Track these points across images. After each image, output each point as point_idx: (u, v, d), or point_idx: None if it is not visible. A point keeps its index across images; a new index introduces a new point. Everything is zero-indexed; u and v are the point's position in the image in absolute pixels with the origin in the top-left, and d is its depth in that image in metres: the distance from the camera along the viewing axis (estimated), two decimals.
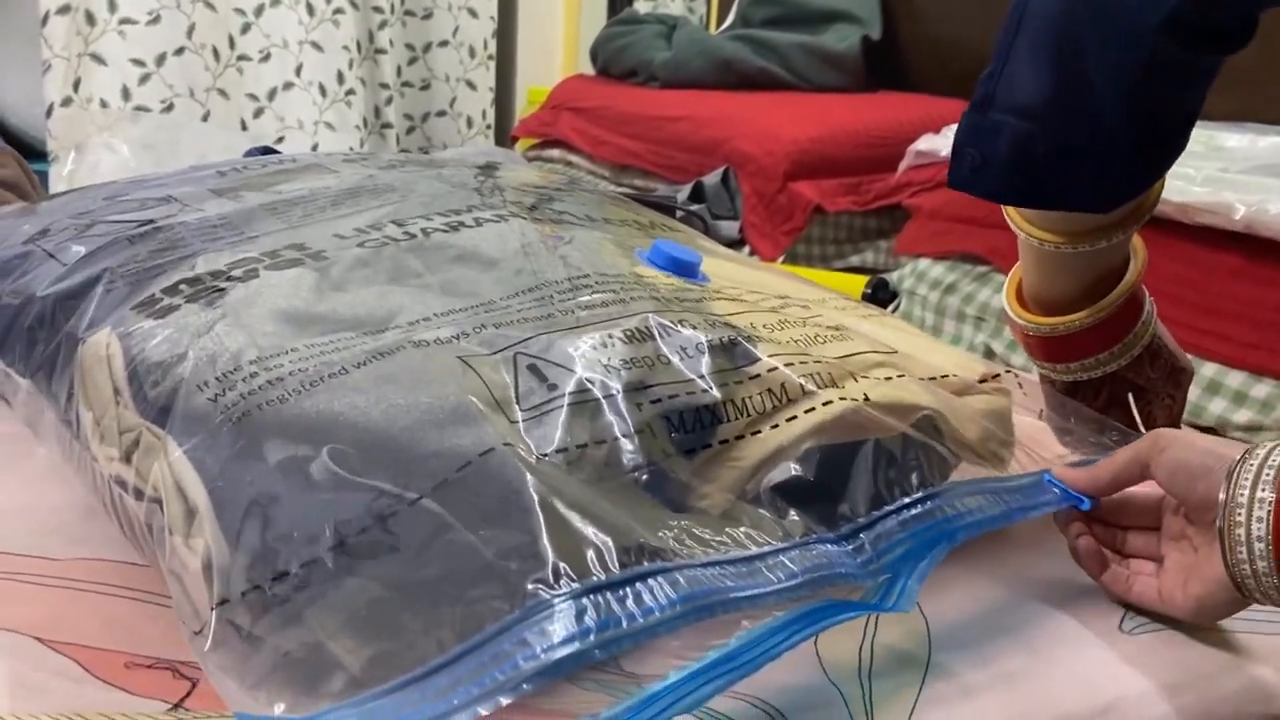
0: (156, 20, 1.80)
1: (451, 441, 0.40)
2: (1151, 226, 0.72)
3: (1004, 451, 0.60)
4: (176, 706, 0.41)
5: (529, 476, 0.40)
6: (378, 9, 2.11)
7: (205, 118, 1.88)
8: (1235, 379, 0.77)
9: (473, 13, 2.27)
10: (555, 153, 1.59)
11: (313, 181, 0.71)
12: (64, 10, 1.70)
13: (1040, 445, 0.66)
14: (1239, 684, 0.50)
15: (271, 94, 1.99)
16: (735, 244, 1.23)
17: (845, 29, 1.43)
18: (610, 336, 0.48)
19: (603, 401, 0.45)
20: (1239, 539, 0.46)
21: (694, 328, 0.51)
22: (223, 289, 0.52)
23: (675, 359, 0.49)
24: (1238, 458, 0.49)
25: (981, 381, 0.62)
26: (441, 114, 2.32)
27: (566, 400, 0.44)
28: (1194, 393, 0.79)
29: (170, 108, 1.82)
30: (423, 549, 0.37)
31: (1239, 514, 0.46)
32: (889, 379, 0.55)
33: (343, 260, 0.55)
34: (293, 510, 0.38)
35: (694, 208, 1.22)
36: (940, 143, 0.98)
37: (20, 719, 0.40)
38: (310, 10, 1.98)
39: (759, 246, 1.20)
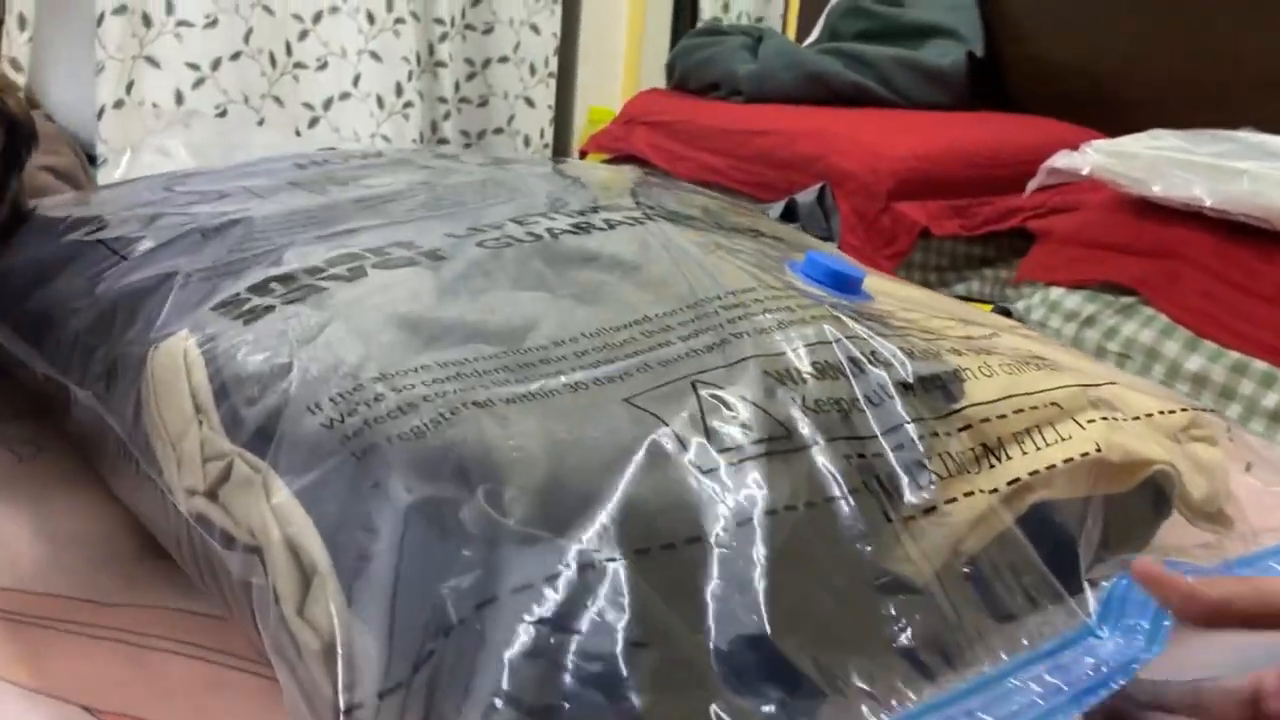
0: (214, 24, 1.73)
1: (642, 494, 0.31)
2: None
3: (1228, 511, 0.50)
4: None
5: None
6: (439, 20, 2.04)
7: (259, 125, 1.81)
8: None
9: (535, 29, 2.20)
10: (627, 168, 1.50)
11: (406, 176, 0.63)
12: (120, 10, 1.64)
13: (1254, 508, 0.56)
14: None
15: (328, 103, 1.92)
16: None
17: (945, 45, 1.34)
18: (797, 370, 0.39)
19: (810, 452, 0.35)
20: None
21: (888, 361, 0.41)
22: (324, 288, 0.43)
23: (875, 398, 0.40)
24: None
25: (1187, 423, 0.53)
26: (499, 131, 2.24)
27: (766, 447, 0.35)
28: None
29: (224, 113, 1.75)
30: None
31: None
32: (1111, 421, 0.45)
33: (462, 261, 0.46)
34: (438, 569, 0.29)
35: (788, 227, 1.13)
36: (1080, 160, 0.88)
37: None
38: (370, 19, 1.92)
39: None
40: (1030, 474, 0.41)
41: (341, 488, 0.31)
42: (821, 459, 0.36)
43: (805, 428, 0.37)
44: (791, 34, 1.89)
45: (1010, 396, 0.43)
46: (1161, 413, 0.49)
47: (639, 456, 0.34)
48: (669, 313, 0.43)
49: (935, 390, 0.42)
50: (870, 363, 0.41)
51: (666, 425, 0.35)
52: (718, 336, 0.41)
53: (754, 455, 0.35)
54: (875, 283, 0.55)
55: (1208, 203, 0.79)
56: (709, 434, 0.35)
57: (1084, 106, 1.33)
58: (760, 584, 0.30)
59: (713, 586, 0.30)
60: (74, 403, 0.49)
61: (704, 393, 0.37)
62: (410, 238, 0.50)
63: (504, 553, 0.29)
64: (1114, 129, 1.30)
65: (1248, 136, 0.91)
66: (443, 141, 2.12)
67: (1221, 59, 1.22)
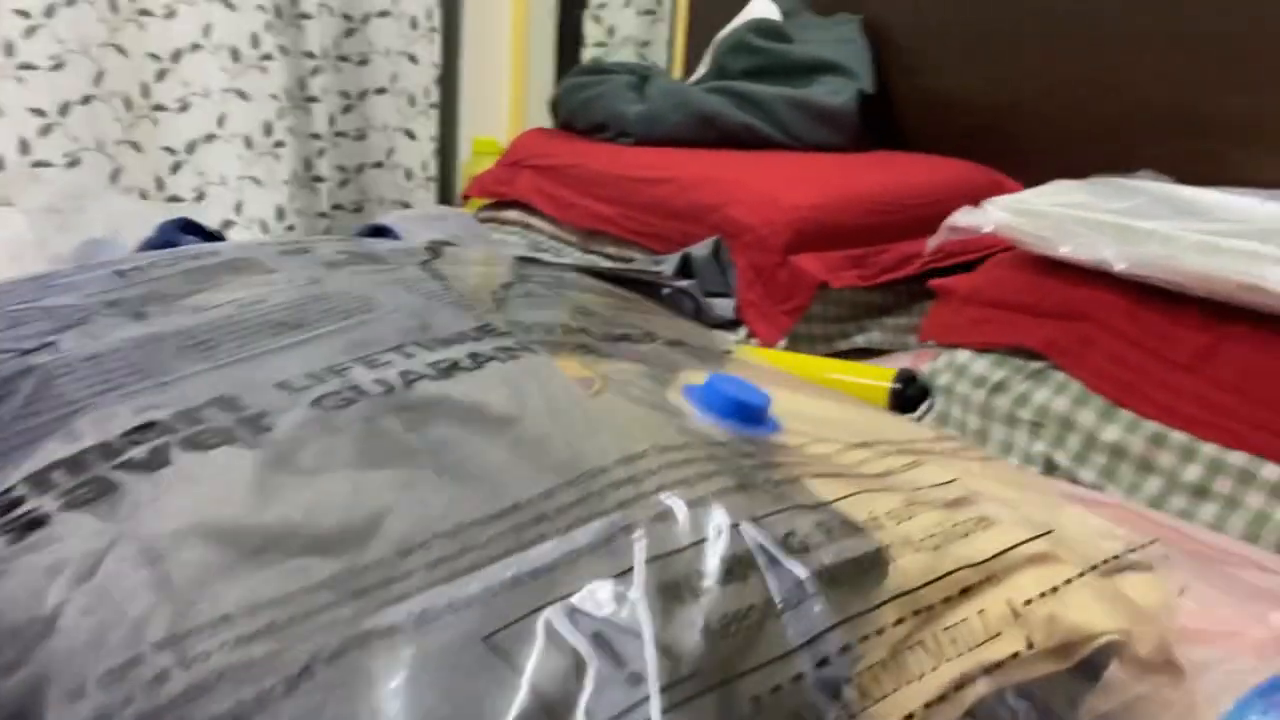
0: (60, 66, 1.60)
1: None
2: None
3: (1175, 661, 0.45)
4: None
5: None
6: (309, 54, 1.93)
7: (115, 174, 1.68)
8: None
9: (413, 59, 2.11)
10: (513, 214, 1.43)
11: (242, 290, 0.55)
12: None
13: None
14: None
15: (191, 147, 1.80)
16: (732, 325, 1.08)
17: (835, 82, 1.30)
18: (699, 574, 0.33)
19: (717, 695, 0.29)
20: None
21: (805, 546, 0.35)
22: (117, 485, 0.35)
23: (792, 598, 0.34)
24: None
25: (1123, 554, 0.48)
26: (378, 165, 2.14)
27: (664, 701, 0.28)
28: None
29: (76, 162, 1.62)
30: None
31: None
32: (1058, 589, 0.40)
33: (292, 426, 0.39)
34: None
35: (684, 284, 1.07)
36: (981, 218, 0.84)
37: None
38: (235, 56, 1.80)
39: (758, 328, 1.05)
40: (956, 685, 0.35)
41: None
42: (730, 703, 0.29)
43: (710, 661, 0.30)
44: (679, 64, 1.84)
45: (936, 580, 0.37)
46: (1106, 561, 0.44)
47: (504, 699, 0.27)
48: (545, 493, 0.36)
49: (859, 578, 0.36)
50: (786, 551, 0.35)
51: (531, 689, 0.27)
52: (604, 529, 0.34)
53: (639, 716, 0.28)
54: (782, 399, 0.49)
55: (1118, 266, 0.75)
56: (591, 690, 0.28)
57: (979, 141, 1.31)
58: None
59: None
60: None
61: (582, 630, 0.30)
62: (234, 391, 0.42)
63: None
64: (1010, 164, 1.27)
65: (1151, 187, 0.88)
66: (317, 179, 2.01)
67: (1122, 95, 1.20)
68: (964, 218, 0.86)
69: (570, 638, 0.29)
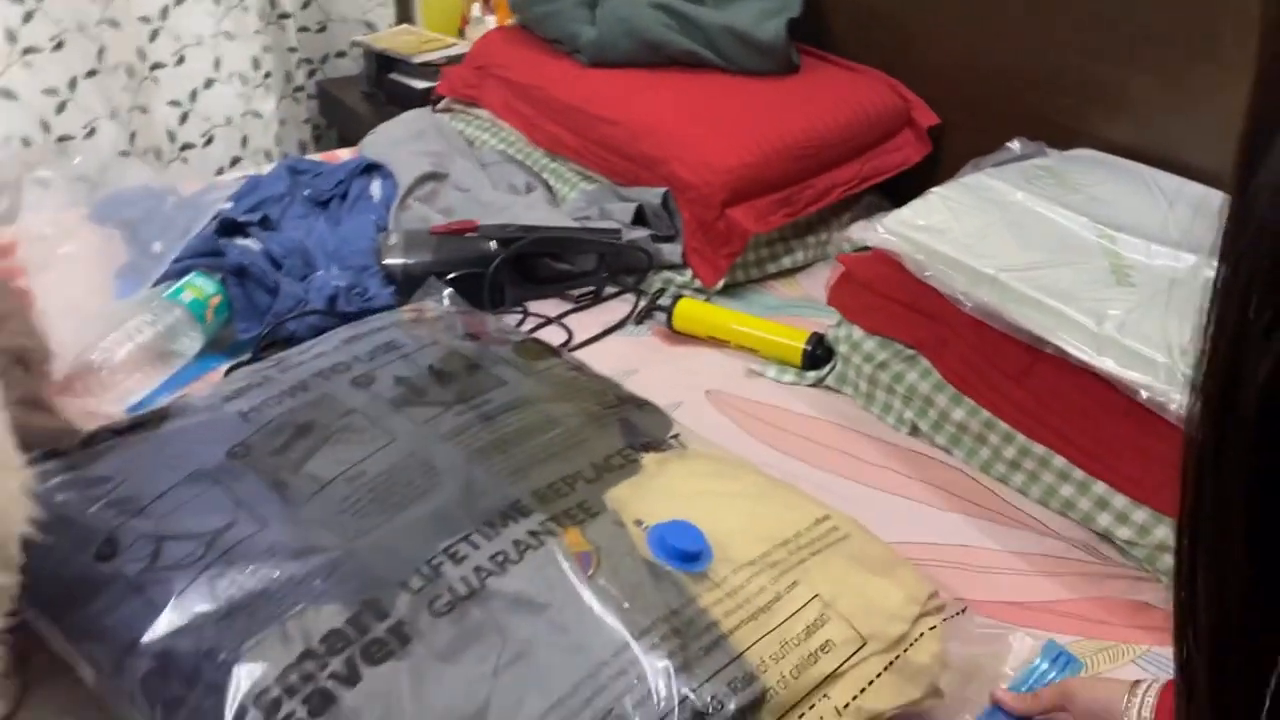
0: (60, 46, 1.70)
1: None
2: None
3: (940, 686, 0.76)
4: None
5: None
6: None
7: (132, 137, 1.78)
8: (1119, 501, 0.94)
9: None
10: (484, 113, 1.60)
11: (344, 449, 0.80)
12: None
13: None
14: None
15: (164, 11, 1.87)
16: (679, 267, 1.32)
17: (771, 3, 1.44)
18: None
19: None
20: None
21: (721, 705, 0.64)
22: (333, 697, 0.63)
23: None
24: (1123, 705, 0.67)
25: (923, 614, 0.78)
26: None
27: None
28: (1087, 504, 0.96)
29: (94, 132, 1.74)
30: None
31: None
32: (865, 690, 0.70)
33: (421, 634, 0.66)
34: None
35: (639, 237, 1.30)
36: (870, 236, 1.07)
37: None
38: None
39: (700, 271, 1.29)
40: None
41: None
42: None
43: None
44: None
45: (800, 703, 0.67)
46: (921, 634, 0.73)
47: None
48: (577, 685, 0.64)
49: (753, 710, 0.65)
50: (713, 709, 0.64)
51: None
52: (610, 716, 0.63)
53: None
54: (709, 526, 0.76)
55: (967, 306, 1.00)
56: None
57: (892, 56, 1.48)
58: None
59: None
60: None
61: None
62: (376, 594, 0.68)
63: None
64: (916, 83, 1.44)
65: (1078, 175, 1.11)
66: (284, 16, 2.10)
67: (1005, 52, 1.36)
68: (857, 232, 1.10)
69: None
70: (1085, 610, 0.90)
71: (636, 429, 0.87)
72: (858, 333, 1.14)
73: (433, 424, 0.82)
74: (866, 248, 1.14)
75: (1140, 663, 0.84)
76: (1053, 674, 0.79)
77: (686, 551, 0.73)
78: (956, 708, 0.78)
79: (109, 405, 1.06)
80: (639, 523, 0.76)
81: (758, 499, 0.83)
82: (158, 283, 1.17)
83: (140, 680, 0.69)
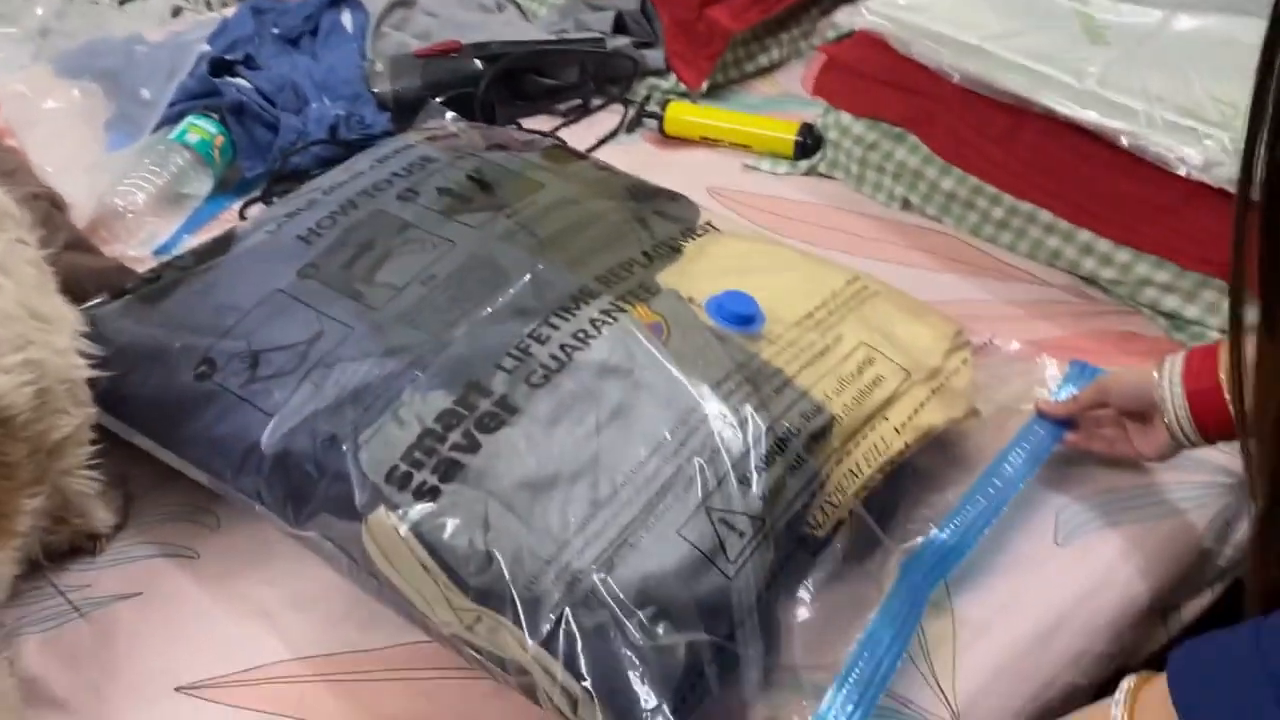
0: None
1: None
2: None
3: (975, 409, 0.86)
4: None
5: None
6: None
7: None
8: (1103, 245, 1.03)
9: None
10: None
11: (410, 258, 0.84)
12: None
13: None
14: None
15: None
16: (661, 73, 1.35)
17: None
18: (760, 466, 0.70)
19: (770, 538, 0.68)
20: (1170, 414, 0.76)
21: (799, 429, 0.73)
22: (461, 465, 0.70)
23: (796, 463, 0.72)
24: (1155, 378, 0.77)
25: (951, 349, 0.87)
26: None
27: (754, 544, 0.67)
28: (1072, 252, 1.06)
29: None
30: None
31: (1167, 403, 0.76)
32: (918, 410, 0.79)
33: (524, 403, 0.73)
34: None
35: (623, 44, 1.32)
36: (857, 20, 1.12)
37: None
38: None
39: (684, 74, 1.32)
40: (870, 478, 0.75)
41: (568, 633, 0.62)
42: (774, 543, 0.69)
43: (768, 516, 0.69)
44: None
45: (857, 426, 0.76)
46: (957, 367, 0.83)
47: (696, 559, 0.66)
48: (673, 430, 0.72)
49: (823, 437, 0.74)
50: (791, 435, 0.73)
51: (703, 553, 0.66)
52: (704, 451, 0.71)
53: (747, 557, 0.67)
54: (756, 295, 0.83)
55: (954, 77, 1.06)
56: (725, 547, 0.67)
57: None
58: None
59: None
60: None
61: (715, 519, 0.68)
62: (476, 376, 0.75)
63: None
64: None
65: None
66: None
67: None
68: (842, 15, 1.14)
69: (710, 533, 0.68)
70: (1081, 343, 1.00)
71: (673, 218, 0.93)
72: (845, 118, 1.19)
73: (487, 227, 0.87)
74: (848, 35, 1.18)
75: None
76: (1084, 382, 0.89)
77: (742, 315, 0.81)
78: (1002, 419, 0.87)
79: (135, 249, 1.08)
80: (690, 300, 0.83)
81: (792, 269, 0.90)
82: (156, 129, 1.17)
83: (265, 478, 0.75)
